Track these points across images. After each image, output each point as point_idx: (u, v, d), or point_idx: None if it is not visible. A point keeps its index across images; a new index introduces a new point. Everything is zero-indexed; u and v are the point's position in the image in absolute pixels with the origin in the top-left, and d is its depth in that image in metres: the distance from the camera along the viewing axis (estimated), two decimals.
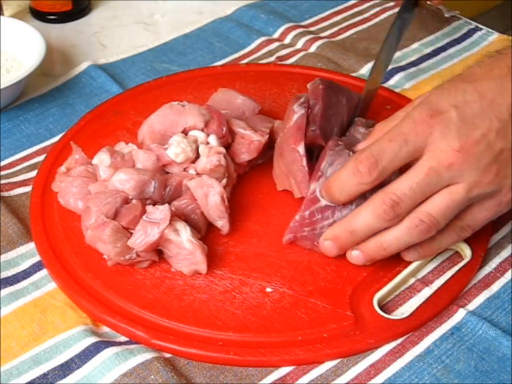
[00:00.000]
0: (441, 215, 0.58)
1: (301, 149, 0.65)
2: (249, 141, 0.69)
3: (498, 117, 0.56)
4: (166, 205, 0.62)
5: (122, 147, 0.69)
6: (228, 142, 0.69)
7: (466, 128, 0.56)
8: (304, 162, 0.65)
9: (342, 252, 0.61)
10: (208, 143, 0.67)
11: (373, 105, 0.77)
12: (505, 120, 0.56)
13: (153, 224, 0.60)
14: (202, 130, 0.68)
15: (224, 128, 0.68)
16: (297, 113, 0.67)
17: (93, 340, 0.57)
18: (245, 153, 0.69)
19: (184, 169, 0.66)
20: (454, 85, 0.59)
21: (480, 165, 0.56)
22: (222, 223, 0.65)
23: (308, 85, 0.71)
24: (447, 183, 0.57)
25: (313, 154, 0.68)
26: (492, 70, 0.58)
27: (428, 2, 0.98)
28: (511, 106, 0.57)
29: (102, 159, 0.66)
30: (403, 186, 0.57)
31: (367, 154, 0.58)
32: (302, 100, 0.68)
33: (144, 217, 0.61)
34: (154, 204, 0.64)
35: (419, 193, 0.57)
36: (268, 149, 0.70)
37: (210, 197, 0.64)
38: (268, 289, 0.60)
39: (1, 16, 0.87)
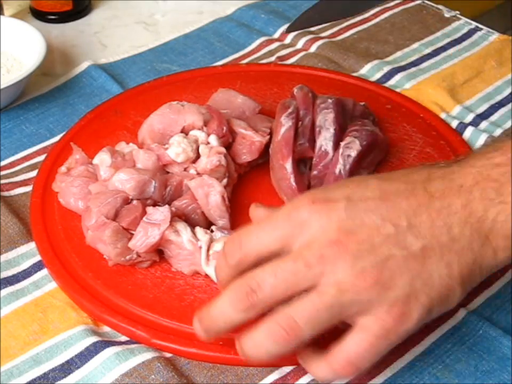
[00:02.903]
0: (306, 321, 0.47)
1: (289, 165, 0.65)
2: (250, 142, 0.69)
3: (394, 221, 0.48)
4: (166, 206, 0.62)
5: (123, 147, 0.69)
6: (228, 141, 0.69)
7: (351, 223, 0.48)
8: (293, 180, 0.65)
9: (212, 337, 0.52)
10: (208, 143, 0.67)
11: (374, 105, 0.77)
12: (401, 227, 0.48)
13: (154, 226, 0.60)
14: (202, 128, 0.68)
15: (225, 128, 0.68)
16: (284, 125, 0.66)
17: (93, 339, 0.57)
18: (246, 154, 0.69)
19: (185, 169, 0.66)
20: (362, 178, 0.53)
21: (357, 265, 0.47)
22: (223, 223, 0.64)
23: (295, 91, 0.70)
24: (317, 280, 0.48)
25: (307, 164, 0.68)
26: (410, 174, 0.51)
27: (428, 2, 0.98)
28: (413, 216, 0.49)
29: (102, 159, 0.66)
30: (265, 271, 0.48)
31: (232, 236, 0.52)
32: (290, 110, 0.67)
33: (144, 218, 0.61)
34: (154, 204, 0.64)
35: (282, 283, 0.48)
36: (269, 148, 0.70)
37: (211, 196, 0.64)
38: None
39: (2, 16, 0.87)
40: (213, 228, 0.62)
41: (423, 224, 0.49)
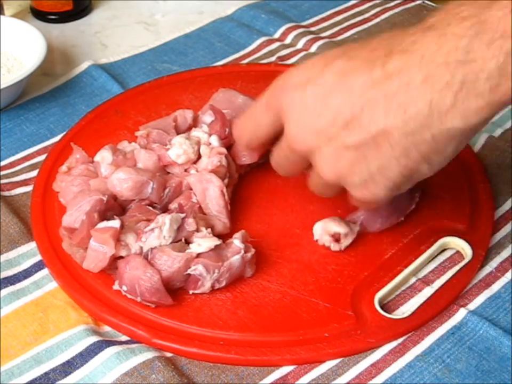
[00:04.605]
0: (280, 158, 0.59)
1: None
2: None
3: (350, 107, 0.50)
4: (114, 224, 0.60)
5: (125, 146, 0.69)
6: (230, 142, 0.69)
7: (316, 107, 0.52)
8: None
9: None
10: (210, 143, 0.67)
11: None
12: (356, 112, 0.50)
13: (100, 253, 0.59)
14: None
15: (227, 129, 0.68)
16: None
17: (94, 339, 0.57)
18: (246, 156, 0.69)
19: (186, 170, 0.66)
20: (329, 58, 0.54)
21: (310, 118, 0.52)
22: (223, 219, 0.64)
23: None
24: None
25: None
26: (373, 51, 0.51)
27: (428, 2, 0.98)
28: (368, 101, 0.49)
29: (104, 156, 0.66)
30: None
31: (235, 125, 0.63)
32: None
33: (91, 242, 0.59)
34: (151, 205, 0.64)
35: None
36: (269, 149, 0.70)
37: (209, 190, 0.64)
38: None
39: (2, 16, 0.87)
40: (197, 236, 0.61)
41: (377, 109, 0.49)
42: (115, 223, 0.60)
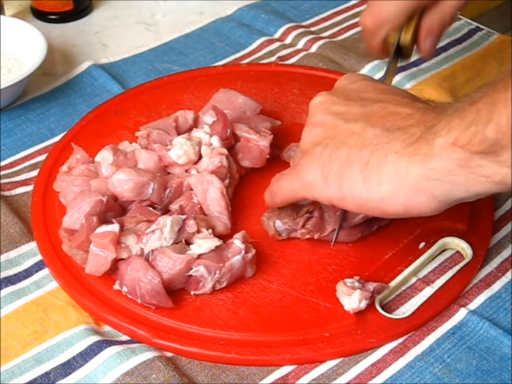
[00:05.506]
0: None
1: None
2: (258, 149, 0.68)
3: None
4: (112, 227, 0.60)
5: (125, 146, 0.69)
6: (231, 144, 0.69)
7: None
8: None
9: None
10: (211, 144, 0.67)
11: None
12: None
13: (101, 257, 0.59)
14: None
15: (229, 130, 0.68)
16: None
17: (94, 339, 0.57)
18: (249, 160, 0.69)
19: (186, 170, 0.66)
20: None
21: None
22: (224, 219, 0.64)
23: None
24: None
25: None
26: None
27: None
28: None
29: (104, 156, 0.66)
30: None
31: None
32: None
33: (91, 246, 0.59)
34: (152, 205, 0.64)
35: None
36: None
37: (209, 192, 0.64)
38: None
39: (3, 16, 0.87)
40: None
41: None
42: (114, 227, 0.60)
